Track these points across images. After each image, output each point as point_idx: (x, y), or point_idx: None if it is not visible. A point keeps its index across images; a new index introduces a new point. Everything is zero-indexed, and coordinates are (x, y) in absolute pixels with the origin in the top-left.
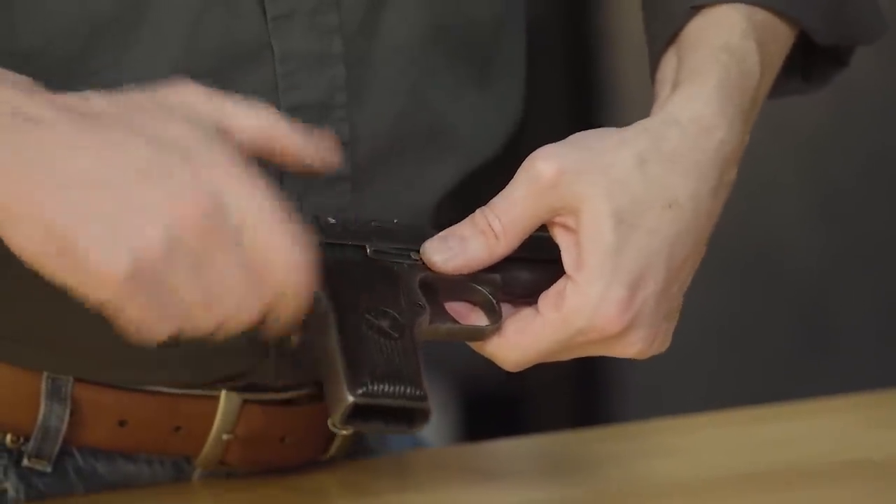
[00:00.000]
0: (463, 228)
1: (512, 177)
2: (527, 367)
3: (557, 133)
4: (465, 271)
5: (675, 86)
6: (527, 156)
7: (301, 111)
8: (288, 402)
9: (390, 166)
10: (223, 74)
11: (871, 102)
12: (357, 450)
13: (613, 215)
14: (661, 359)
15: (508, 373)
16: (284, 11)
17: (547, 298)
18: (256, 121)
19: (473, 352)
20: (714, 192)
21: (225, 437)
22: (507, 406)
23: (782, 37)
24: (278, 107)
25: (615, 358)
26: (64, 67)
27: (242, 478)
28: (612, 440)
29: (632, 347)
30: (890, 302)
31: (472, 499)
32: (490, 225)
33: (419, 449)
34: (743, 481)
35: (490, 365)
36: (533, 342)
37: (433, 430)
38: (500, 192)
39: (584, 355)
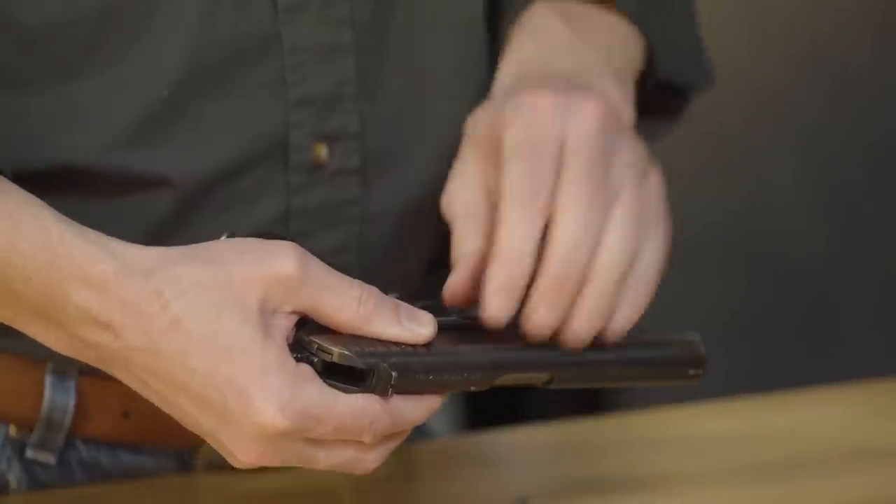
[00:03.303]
0: None
1: None
2: None
3: None
4: None
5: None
6: None
7: (309, 103)
8: None
9: (399, 159)
10: (230, 67)
11: (873, 93)
12: None
13: None
14: None
15: None
16: (295, 2)
17: None
18: (348, 316)
19: None
20: None
21: None
22: (510, 395)
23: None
24: (286, 99)
25: None
26: (73, 56)
27: (246, 469)
28: (616, 430)
29: None
30: (893, 292)
31: (477, 488)
32: None
33: (424, 439)
34: (746, 471)
35: None
36: None
37: (438, 420)
38: None
39: None
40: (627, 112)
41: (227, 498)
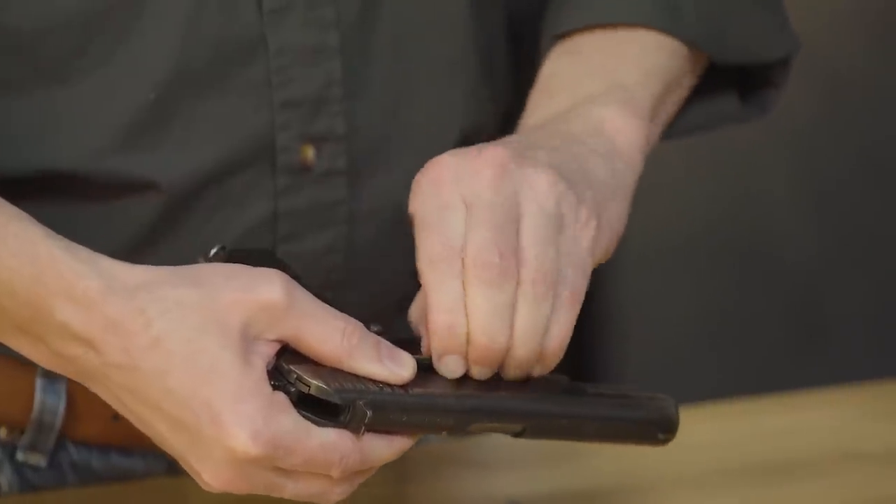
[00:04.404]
0: None
1: None
2: None
3: None
4: None
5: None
6: None
7: (295, 105)
8: None
9: (386, 160)
10: (217, 69)
11: (863, 96)
12: None
13: None
14: (656, 352)
15: None
16: (280, 5)
17: None
18: (330, 348)
19: None
20: None
21: None
22: None
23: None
24: (272, 101)
25: (610, 351)
26: (60, 60)
27: None
28: None
29: None
30: (884, 294)
31: (469, 490)
32: None
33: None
34: (737, 474)
35: None
36: None
37: None
38: None
39: None
40: (632, 131)
41: (216, 500)
